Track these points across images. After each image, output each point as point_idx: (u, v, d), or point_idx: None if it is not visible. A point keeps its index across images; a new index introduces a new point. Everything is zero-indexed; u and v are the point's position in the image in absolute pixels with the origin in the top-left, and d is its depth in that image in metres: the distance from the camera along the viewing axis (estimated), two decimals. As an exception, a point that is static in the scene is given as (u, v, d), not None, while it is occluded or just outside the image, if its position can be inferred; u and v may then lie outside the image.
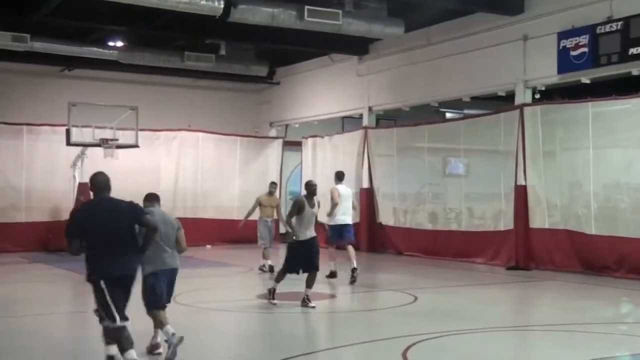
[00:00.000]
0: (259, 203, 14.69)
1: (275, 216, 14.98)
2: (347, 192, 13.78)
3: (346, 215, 13.51)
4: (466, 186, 17.60)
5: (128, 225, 6.44)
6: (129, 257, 6.45)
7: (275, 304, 10.18)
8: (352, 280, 12.71)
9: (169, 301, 7.55)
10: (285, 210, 15.08)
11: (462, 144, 17.35)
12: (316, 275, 10.31)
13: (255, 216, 14.83)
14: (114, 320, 6.35)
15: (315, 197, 10.53)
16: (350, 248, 13.20)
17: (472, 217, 17.26)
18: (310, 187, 10.51)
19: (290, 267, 10.26)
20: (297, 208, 10.22)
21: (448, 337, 8.39)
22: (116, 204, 6.55)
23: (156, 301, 7.32)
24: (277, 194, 15.10)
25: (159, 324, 7.29)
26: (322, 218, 12.17)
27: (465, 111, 20.89)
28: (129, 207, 6.55)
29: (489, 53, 16.19)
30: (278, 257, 14.71)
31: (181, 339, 6.97)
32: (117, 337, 6.40)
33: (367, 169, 19.62)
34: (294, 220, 10.27)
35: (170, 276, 7.49)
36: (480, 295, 12.13)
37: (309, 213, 10.25)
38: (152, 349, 7.42)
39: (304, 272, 10.23)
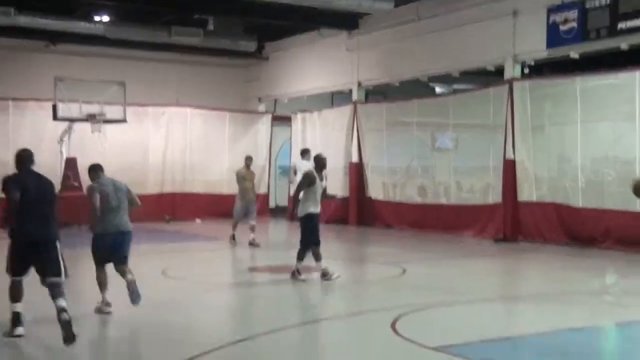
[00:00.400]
0: (241, 177, 14.84)
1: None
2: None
3: None
4: (455, 160, 17.64)
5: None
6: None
7: (303, 280, 10.03)
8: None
9: (121, 261, 8.16)
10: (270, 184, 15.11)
11: (451, 118, 17.37)
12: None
13: (235, 190, 15.05)
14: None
15: (324, 171, 10.34)
16: None
17: (460, 191, 17.34)
18: (321, 161, 10.34)
19: (310, 242, 10.07)
20: (308, 181, 10.03)
21: (436, 308, 8.47)
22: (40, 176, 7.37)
23: (99, 258, 8.16)
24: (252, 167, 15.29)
25: (103, 284, 8.13)
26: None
27: (455, 86, 20.88)
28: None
29: (479, 28, 16.14)
30: (259, 230, 14.77)
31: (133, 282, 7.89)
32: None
33: (357, 143, 19.64)
34: (301, 194, 10.09)
35: (118, 237, 8.12)
36: (468, 268, 12.24)
37: (318, 186, 10.10)
38: (99, 310, 8.05)
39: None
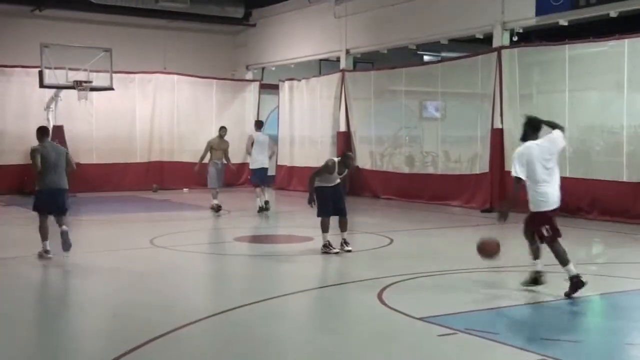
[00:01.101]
0: (210, 147, 15.08)
1: (224, 160, 15.32)
2: (263, 139, 15.29)
3: (264, 160, 15.18)
4: (443, 129, 17.64)
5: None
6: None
7: (336, 252, 9.96)
8: (266, 209, 14.89)
9: (61, 212, 9.70)
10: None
11: (439, 87, 17.32)
12: (346, 220, 10.14)
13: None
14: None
15: (348, 169, 10.15)
16: (266, 188, 15.25)
17: (448, 161, 17.37)
18: (347, 160, 10.12)
19: (321, 212, 10.06)
20: (326, 171, 10.00)
21: (423, 278, 8.52)
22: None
23: (40, 209, 9.62)
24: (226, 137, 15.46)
25: (44, 234, 9.56)
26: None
27: (443, 54, 20.79)
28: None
29: (468, -6, 16.03)
30: (227, 198, 14.82)
31: (66, 233, 9.37)
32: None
33: (345, 112, 19.57)
34: (316, 178, 10.05)
35: (56, 193, 9.65)
36: (455, 238, 12.30)
37: (334, 177, 10.03)
38: (40, 255, 9.55)
39: (333, 215, 10.09)
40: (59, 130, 19.05)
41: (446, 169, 17.16)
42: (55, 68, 17.69)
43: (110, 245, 11.28)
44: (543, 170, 7.34)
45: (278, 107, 22.31)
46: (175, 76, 21.51)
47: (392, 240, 11.28)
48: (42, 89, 18.39)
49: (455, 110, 17.65)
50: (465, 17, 16.18)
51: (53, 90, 18.59)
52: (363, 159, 19.21)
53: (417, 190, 17.33)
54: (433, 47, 19.73)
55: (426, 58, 21.92)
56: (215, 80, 22.19)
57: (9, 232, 13.14)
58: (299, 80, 21.38)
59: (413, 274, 8.60)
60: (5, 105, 19.18)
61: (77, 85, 17.91)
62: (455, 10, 16.35)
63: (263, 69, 23.21)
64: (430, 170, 17.60)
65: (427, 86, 17.87)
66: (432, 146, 17.83)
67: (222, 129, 15.52)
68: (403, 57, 19.49)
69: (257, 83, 22.91)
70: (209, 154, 15.10)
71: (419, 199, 17.09)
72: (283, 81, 21.99)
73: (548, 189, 7.36)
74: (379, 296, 7.35)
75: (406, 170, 18.14)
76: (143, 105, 21.07)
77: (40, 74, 17.80)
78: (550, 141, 7.46)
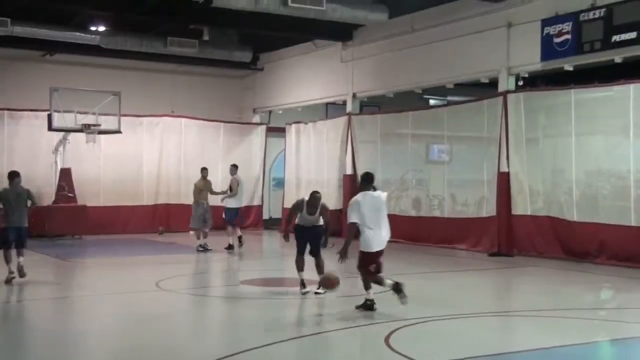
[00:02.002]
0: (197, 188, 16.05)
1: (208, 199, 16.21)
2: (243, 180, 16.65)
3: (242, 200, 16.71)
4: (449, 173, 17.65)
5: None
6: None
7: (305, 292, 10.07)
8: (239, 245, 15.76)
9: (21, 246, 11.22)
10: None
11: (445, 130, 17.38)
12: (320, 262, 10.23)
13: (190, 200, 16.34)
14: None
15: (318, 210, 10.22)
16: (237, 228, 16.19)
17: (455, 204, 17.34)
18: (312, 199, 10.21)
19: (297, 251, 10.37)
20: (294, 208, 10.43)
21: (431, 322, 8.44)
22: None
23: (3, 243, 11.19)
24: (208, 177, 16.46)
25: (7, 260, 11.04)
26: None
27: (449, 98, 20.93)
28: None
29: (473, 40, 16.19)
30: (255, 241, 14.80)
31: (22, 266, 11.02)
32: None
33: (351, 155, 19.63)
34: (292, 216, 10.44)
35: (17, 230, 11.16)
36: (462, 281, 12.21)
37: (311, 218, 10.25)
38: (6, 280, 10.87)
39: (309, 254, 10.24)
40: (66, 172, 19.17)
41: (453, 212, 17.12)
42: (64, 111, 17.88)
43: (115, 288, 11.23)
44: (372, 217, 8.66)
45: (284, 150, 22.40)
46: (183, 119, 21.68)
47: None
48: (51, 132, 18.54)
49: (462, 154, 17.69)
50: (470, 62, 16.33)
51: (62, 133, 18.76)
52: (369, 202, 19.15)
53: (423, 234, 17.27)
54: (439, 91, 19.87)
55: (432, 102, 22.06)
56: (222, 124, 22.34)
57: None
58: (306, 123, 21.51)
59: (420, 318, 8.51)
60: (15, 147, 19.31)
61: (85, 128, 18.07)
62: (461, 55, 16.51)
63: (270, 112, 23.39)
64: (437, 213, 17.55)
65: (434, 129, 17.95)
66: (438, 189, 17.82)
67: (204, 170, 16.40)
68: (409, 101, 19.62)
69: (264, 126, 23.06)
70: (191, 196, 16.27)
71: (426, 242, 17.01)
72: (290, 124, 22.13)
73: (374, 234, 8.72)
74: (387, 340, 7.27)
75: (413, 213, 18.10)
76: (150, 148, 21.19)
77: (49, 117, 17.99)
78: (381, 194, 8.93)
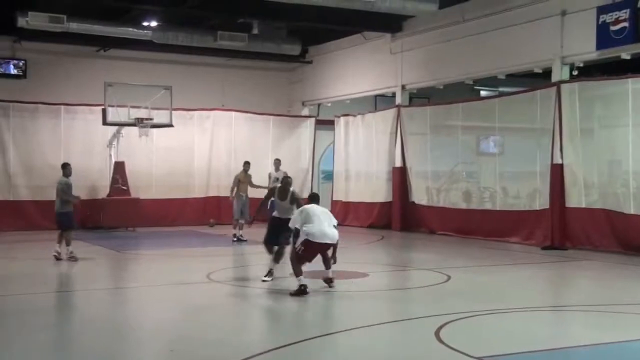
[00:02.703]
0: (237, 180, 16.61)
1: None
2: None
3: None
4: (501, 165, 17.40)
5: None
6: None
7: (263, 280, 10.52)
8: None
9: (59, 228, 13.09)
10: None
11: (497, 122, 17.13)
12: (281, 253, 10.73)
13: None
14: None
15: (289, 196, 10.78)
16: None
17: (506, 196, 17.07)
18: (284, 184, 11.04)
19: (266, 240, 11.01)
20: (268, 195, 11.55)
21: (482, 316, 8.33)
22: None
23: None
24: (250, 171, 17.03)
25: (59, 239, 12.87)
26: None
27: (501, 89, 20.62)
28: None
29: (526, 29, 15.88)
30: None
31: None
32: None
33: (400, 147, 19.52)
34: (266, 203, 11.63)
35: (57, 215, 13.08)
36: (514, 275, 12.02)
37: (284, 207, 10.81)
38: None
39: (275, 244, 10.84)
40: (120, 166, 19.56)
41: (504, 205, 16.86)
42: (118, 106, 18.23)
43: (167, 279, 11.43)
44: (318, 219, 9.66)
45: (333, 142, 22.40)
46: (233, 113, 21.87)
47: (449, 277, 11.09)
48: (105, 126, 18.94)
49: (514, 146, 17.41)
50: (523, 51, 16.02)
51: (115, 128, 19.14)
52: (419, 195, 19.07)
53: (474, 227, 17.07)
54: (490, 82, 19.58)
55: (483, 93, 21.75)
56: (271, 117, 22.46)
57: (72, 267, 13.45)
58: (355, 115, 21.47)
59: (471, 312, 8.41)
60: (70, 142, 19.79)
61: (138, 122, 18.40)
62: (513, 45, 16.22)
63: (319, 104, 23.41)
64: (488, 206, 17.31)
65: (485, 121, 17.70)
66: (489, 182, 17.59)
67: (246, 164, 17.02)
68: (459, 92, 19.40)
69: (313, 119, 23.09)
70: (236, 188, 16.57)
71: (477, 235, 16.81)
72: (338, 117, 22.11)
73: (315, 228, 9.61)
74: (437, 334, 7.21)
75: (463, 206, 17.91)
76: (201, 141, 21.45)
77: (104, 111, 18.37)
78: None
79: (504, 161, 17.50)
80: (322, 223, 9.67)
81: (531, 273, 12.43)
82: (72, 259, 12.86)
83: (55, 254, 12.97)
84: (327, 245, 9.79)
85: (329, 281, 10.09)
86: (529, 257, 14.11)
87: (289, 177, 11.40)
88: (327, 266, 10.08)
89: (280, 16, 18.59)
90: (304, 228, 9.60)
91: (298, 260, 9.65)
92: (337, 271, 10.33)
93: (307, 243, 9.59)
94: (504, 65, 16.75)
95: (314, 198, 10.44)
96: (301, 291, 9.43)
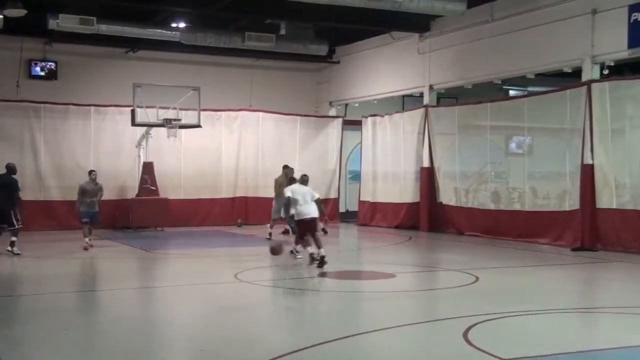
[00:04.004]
0: (278, 183, 16.97)
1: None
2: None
3: None
4: (530, 165, 17.22)
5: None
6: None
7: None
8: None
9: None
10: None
11: (526, 122, 16.96)
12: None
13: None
14: None
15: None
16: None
17: (536, 197, 16.89)
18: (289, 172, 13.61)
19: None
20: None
21: (511, 317, 8.26)
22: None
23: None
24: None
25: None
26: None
27: (530, 88, 20.42)
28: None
29: (556, 28, 15.71)
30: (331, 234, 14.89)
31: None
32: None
33: (428, 147, 19.42)
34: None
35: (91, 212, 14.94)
36: (544, 276, 11.89)
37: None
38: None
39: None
40: (149, 166, 19.73)
41: (534, 206, 16.68)
42: (147, 107, 18.39)
43: (196, 279, 11.50)
44: (303, 199, 12.14)
45: (361, 142, 22.37)
46: (261, 113, 21.95)
47: (477, 278, 11.01)
48: (134, 127, 19.12)
49: (543, 146, 17.22)
50: (553, 50, 15.84)
51: (144, 128, 19.32)
52: (447, 195, 18.96)
53: (503, 227, 16.92)
54: (519, 81, 19.39)
55: (512, 92, 21.55)
56: (299, 117, 22.49)
57: (101, 266, 13.61)
58: (382, 115, 21.41)
59: (500, 314, 8.34)
60: (100, 143, 20.02)
61: (166, 123, 18.54)
62: (543, 44, 16.05)
63: (346, 105, 23.39)
64: (517, 206, 17.15)
65: (514, 121, 17.54)
66: (518, 182, 17.42)
67: (285, 167, 17.43)
68: (488, 92, 19.24)
69: (340, 119, 23.08)
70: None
71: (505, 236, 16.66)
72: (366, 117, 22.07)
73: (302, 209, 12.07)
74: (465, 335, 7.16)
75: (492, 206, 17.75)
76: (229, 141, 21.56)
77: (133, 112, 18.55)
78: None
79: (533, 161, 17.33)
80: (306, 202, 11.96)
81: (561, 274, 12.29)
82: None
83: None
84: (313, 219, 11.98)
85: (318, 260, 11.56)
86: (559, 258, 13.95)
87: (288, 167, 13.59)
88: (319, 245, 11.73)
89: (307, 17, 18.61)
90: (293, 210, 11.89)
91: (301, 237, 12.15)
92: (365, 272, 10.33)
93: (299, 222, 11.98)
94: (533, 65, 16.58)
95: (303, 180, 12.61)
96: (314, 259, 11.57)
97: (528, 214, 16.59)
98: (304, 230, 12.14)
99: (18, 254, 13.53)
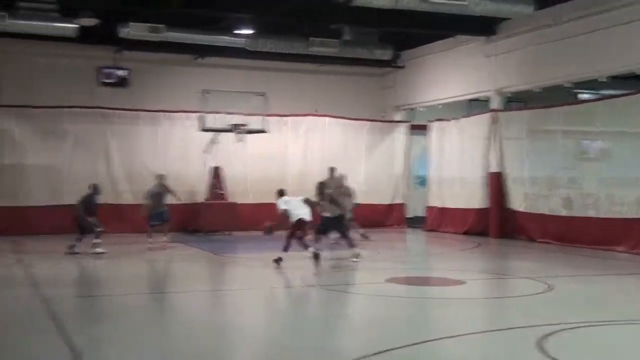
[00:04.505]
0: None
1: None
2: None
3: None
4: (604, 170, 16.66)
5: None
6: None
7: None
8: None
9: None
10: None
11: (599, 126, 16.44)
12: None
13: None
14: None
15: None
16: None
17: (611, 203, 16.31)
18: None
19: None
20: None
21: (586, 328, 7.99)
22: None
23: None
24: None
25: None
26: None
27: (602, 92, 19.82)
28: None
29: (628, 29, 15.20)
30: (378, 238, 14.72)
31: None
32: None
33: (496, 152, 19.06)
34: None
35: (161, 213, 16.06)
36: (621, 285, 11.49)
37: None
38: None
39: None
40: (217, 171, 20.01)
41: (609, 212, 16.10)
42: (214, 112, 18.65)
43: (262, 282, 11.57)
44: (297, 205, 13.30)
45: (427, 147, 22.14)
46: (327, 118, 21.96)
47: (550, 286, 10.70)
48: (202, 132, 19.42)
49: (618, 150, 16.65)
50: (626, 52, 15.33)
51: (212, 134, 19.60)
52: (517, 201, 18.54)
53: (576, 234, 16.42)
54: (591, 84, 18.85)
55: (584, 96, 20.97)
56: (364, 122, 22.43)
57: (172, 268, 13.85)
58: (449, 120, 21.15)
59: (574, 323, 8.08)
60: (168, 148, 20.41)
61: (234, 128, 18.78)
62: (615, 46, 15.55)
63: (412, 109, 23.20)
64: (591, 213, 16.60)
65: (586, 125, 17.02)
66: (592, 188, 16.87)
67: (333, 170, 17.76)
68: (558, 96, 18.76)
69: (407, 124, 22.90)
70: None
71: (579, 244, 16.16)
72: (432, 122, 21.84)
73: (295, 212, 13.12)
74: (539, 345, 6.96)
75: (564, 212, 17.25)
76: (295, 147, 21.65)
77: (201, 118, 18.85)
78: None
79: (607, 167, 16.75)
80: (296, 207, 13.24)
81: (639, 283, 11.85)
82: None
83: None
84: (303, 221, 13.06)
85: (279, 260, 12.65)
86: (636, 266, 13.45)
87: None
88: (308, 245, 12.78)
89: (371, 21, 18.54)
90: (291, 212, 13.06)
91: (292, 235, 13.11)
92: (434, 278, 10.20)
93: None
94: (606, 67, 16.08)
95: (283, 192, 13.69)
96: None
97: (603, 220, 16.04)
98: (296, 229, 13.14)
99: (103, 252, 14.09)
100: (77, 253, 14.10)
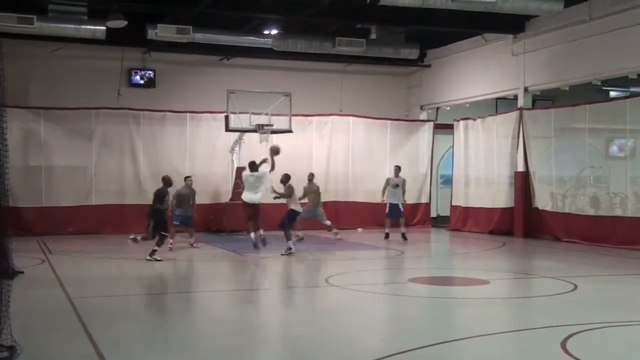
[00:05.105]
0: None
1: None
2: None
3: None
4: (633, 169, 16.45)
5: None
6: None
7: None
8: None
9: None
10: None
11: (628, 124, 16.23)
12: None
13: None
14: None
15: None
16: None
17: (639, 202, 16.12)
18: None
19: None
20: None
21: (612, 328, 7.90)
22: None
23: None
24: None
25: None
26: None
27: (632, 89, 19.54)
28: None
29: (659, 26, 14.98)
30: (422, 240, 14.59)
31: None
32: None
33: (522, 151, 18.90)
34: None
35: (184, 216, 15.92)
36: (648, 286, 11.32)
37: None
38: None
39: None
40: (242, 171, 20.06)
41: (636, 212, 15.92)
42: (240, 113, 18.74)
43: (287, 282, 11.62)
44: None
45: (453, 146, 22.03)
46: (351, 118, 21.95)
47: (576, 286, 10.60)
48: (228, 132, 19.52)
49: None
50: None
51: (237, 134, 19.70)
52: (543, 200, 18.37)
53: (603, 234, 16.23)
54: (620, 82, 18.59)
55: (612, 94, 20.69)
56: (389, 121, 22.37)
57: (196, 268, 13.96)
58: (474, 119, 21.01)
59: (600, 324, 8.00)
60: (195, 148, 20.56)
61: (259, 128, 18.83)
62: (645, 43, 15.34)
63: (437, 108, 23.09)
64: (619, 212, 16.41)
65: (614, 123, 16.82)
66: (620, 187, 16.66)
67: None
68: (586, 94, 18.55)
69: (432, 123, 22.80)
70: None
71: (606, 243, 15.98)
72: (458, 120, 21.72)
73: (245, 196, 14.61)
74: (563, 345, 6.90)
75: (591, 212, 17.07)
76: (319, 146, 21.67)
77: (226, 118, 18.94)
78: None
79: (635, 165, 16.54)
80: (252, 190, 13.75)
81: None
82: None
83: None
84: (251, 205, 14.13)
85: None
86: (665, 267, 13.25)
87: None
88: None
89: (398, 20, 18.51)
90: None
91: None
92: (458, 278, 10.15)
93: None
94: (635, 64, 15.86)
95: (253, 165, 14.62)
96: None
97: (631, 220, 15.84)
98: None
99: (159, 260, 13.53)
100: (160, 260, 13.48)
